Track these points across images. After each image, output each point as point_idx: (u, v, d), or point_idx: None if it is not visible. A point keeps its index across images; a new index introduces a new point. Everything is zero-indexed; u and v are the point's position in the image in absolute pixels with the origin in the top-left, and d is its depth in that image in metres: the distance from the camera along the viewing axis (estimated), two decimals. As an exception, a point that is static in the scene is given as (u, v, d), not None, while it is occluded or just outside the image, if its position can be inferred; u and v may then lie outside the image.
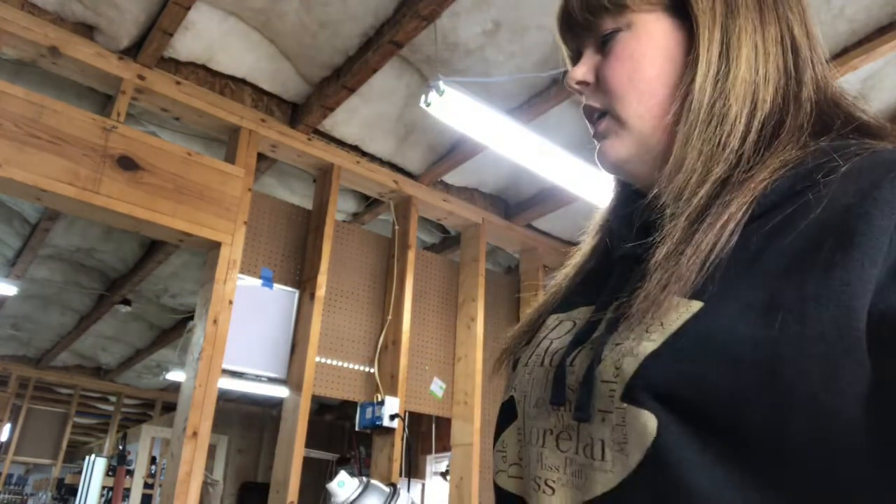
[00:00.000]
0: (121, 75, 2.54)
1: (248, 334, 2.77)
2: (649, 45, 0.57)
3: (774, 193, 0.48)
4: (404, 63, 2.77)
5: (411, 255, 3.33)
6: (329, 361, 3.03)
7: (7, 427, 8.03)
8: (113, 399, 8.84)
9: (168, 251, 4.29)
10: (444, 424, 4.79)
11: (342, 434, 7.94)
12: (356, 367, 3.12)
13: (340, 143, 3.18)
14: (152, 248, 4.46)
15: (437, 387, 3.39)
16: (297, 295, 2.99)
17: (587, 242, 0.68)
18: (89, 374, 7.99)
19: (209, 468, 7.02)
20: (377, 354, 3.18)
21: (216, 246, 2.63)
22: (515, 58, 2.63)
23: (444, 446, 4.99)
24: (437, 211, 3.57)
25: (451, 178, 3.56)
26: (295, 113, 3.03)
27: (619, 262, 0.56)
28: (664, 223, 0.51)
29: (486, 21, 2.47)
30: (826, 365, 0.39)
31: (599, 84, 0.59)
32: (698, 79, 0.54)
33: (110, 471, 7.15)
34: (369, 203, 3.72)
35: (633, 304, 0.48)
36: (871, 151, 0.48)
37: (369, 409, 3.02)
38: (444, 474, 5.71)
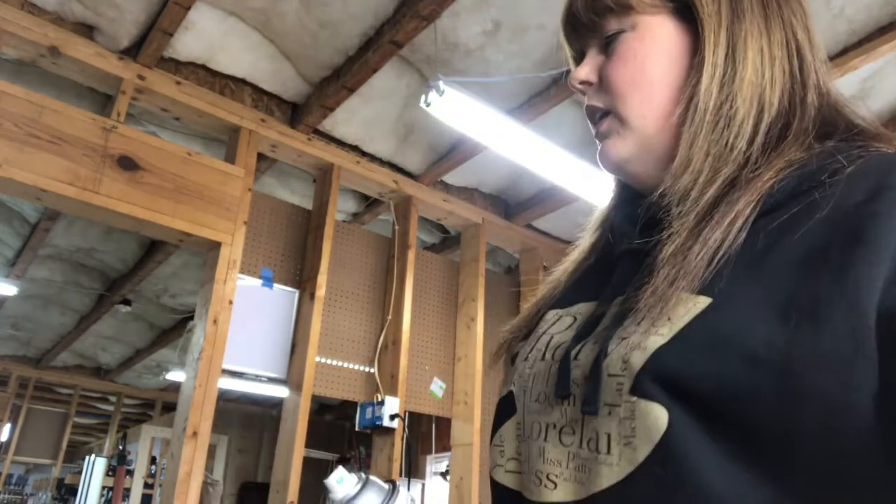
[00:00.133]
0: (121, 75, 2.54)
1: (248, 334, 2.77)
2: (653, 47, 0.57)
3: (780, 192, 0.49)
4: (404, 63, 2.77)
5: (411, 255, 3.33)
6: (329, 361, 3.03)
7: (7, 427, 8.03)
8: (113, 399, 8.84)
9: (168, 251, 4.29)
10: (444, 424, 4.79)
11: (342, 434, 7.94)
12: (356, 367, 3.12)
13: (340, 143, 3.18)
14: (152, 248, 4.45)
15: (437, 387, 3.39)
16: (297, 295, 2.99)
17: (586, 239, 0.68)
18: (89, 374, 7.99)
19: (209, 468, 7.02)
20: (377, 354, 3.18)
21: (216, 246, 2.63)
22: (515, 58, 2.63)
23: (444, 446, 5.00)
24: (437, 211, 3.57)
25: (451, 178, 3.56)
26: (295, 113, 3.03)
27: (623, 258, 0.57)
28: (671, 221, 0.51)
29: (486, 21, 2.47)
30: (839, 364, 0.40)
31: (602, 84, 0.60)
32: (704, 81, 0.54)
33: (110, 471, 7.16)
34: (369, 203, 3.72)
35: (641, 298, 0.48)
36: (875, 153, 0.49)
37: (369, 409, 3.02)
38: (444, 474, 5.71)
